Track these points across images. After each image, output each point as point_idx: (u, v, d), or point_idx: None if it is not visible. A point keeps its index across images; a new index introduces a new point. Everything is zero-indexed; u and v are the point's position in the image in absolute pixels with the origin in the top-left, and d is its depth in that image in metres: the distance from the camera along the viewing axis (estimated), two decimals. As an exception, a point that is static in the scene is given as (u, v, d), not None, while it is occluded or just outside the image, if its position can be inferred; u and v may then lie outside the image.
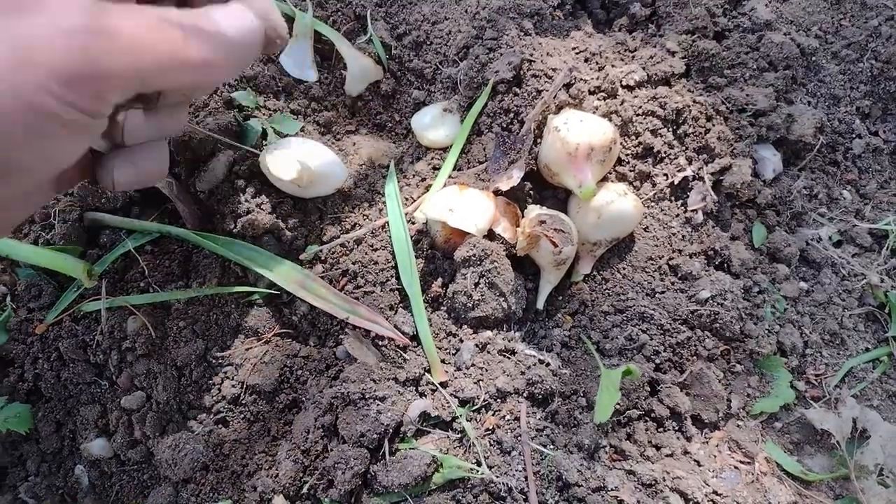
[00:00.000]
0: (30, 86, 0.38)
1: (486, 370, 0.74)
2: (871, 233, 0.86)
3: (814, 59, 0.89)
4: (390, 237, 0.78)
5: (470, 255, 0.74)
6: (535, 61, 0.80)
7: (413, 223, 0.79)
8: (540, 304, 0.78)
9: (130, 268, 0.78)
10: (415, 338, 0.75)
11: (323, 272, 0.77)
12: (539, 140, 0.79)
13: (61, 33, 0.38)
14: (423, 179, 0.82)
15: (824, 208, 0.87)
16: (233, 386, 0.74)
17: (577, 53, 0.83)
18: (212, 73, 0.47)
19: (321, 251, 0.77)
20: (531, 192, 0.81)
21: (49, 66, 0.38)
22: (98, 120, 0.43)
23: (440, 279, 0.78)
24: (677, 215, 0.80)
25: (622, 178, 0.81)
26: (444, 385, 0.73)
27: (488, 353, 0.75)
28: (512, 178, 0.76)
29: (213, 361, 0.74)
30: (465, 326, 0.76)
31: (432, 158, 0.84)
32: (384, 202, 0.80)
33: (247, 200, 0.75)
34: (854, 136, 0.89)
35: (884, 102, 0.92)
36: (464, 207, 0.74)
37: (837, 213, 0.87)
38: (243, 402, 0.74)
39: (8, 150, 0.39)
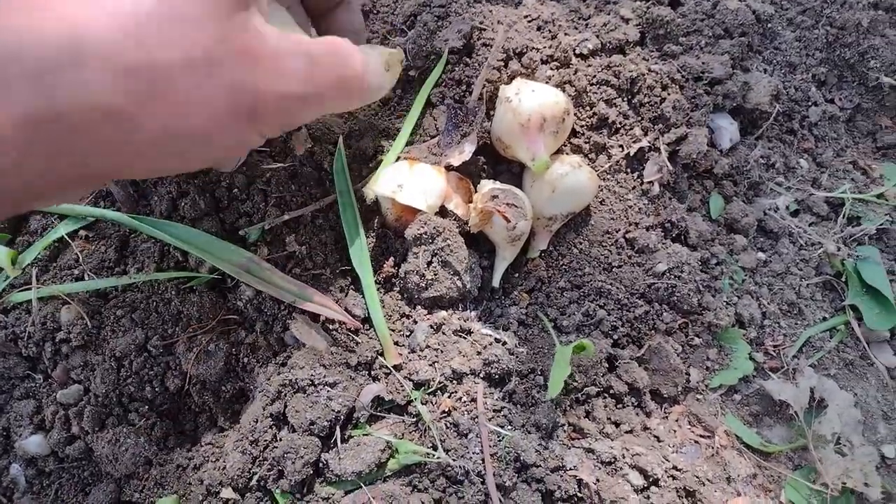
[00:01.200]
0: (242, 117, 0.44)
1: (442, 351, 0.72)
2: (827, 201, 0.85)
3: (769, 25, 0.87)
4: (339, 216, 0.75)
5: (421, 232, 0.71)
6: (485, 29, 0.77)
7: (363, 201, 0.76)
8: (496, 282, 0.76)
9: (63, 254, 0.73)
10: (366, 320, 0.72)
11: (268, 255, 0.73)
12: (492, 113, 0.76)
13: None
14: (374, 155, 0.79)
15: (781, 177, 0.86)
16: (175, 377, 0.70)
17: (528, 21, 0.81)
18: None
19: (266, 233, 0.74)
20: (485, 166, 0.78)
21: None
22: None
23: (392, 259, 0.75)
24: (633, 187, 0.79)
25: (577, 150, 0.79)
26: (397, 368, 0.70)
27: (443, 333, 0.73)
28: (464, 153, 0.74)
29: (154, 351, 0.71)
30: (419, 307, 0.74)
31: (383, 133, 0.81)
32: (332, 180, 0.76)
33: (185, 180, 0.71)
34: (810, 103, 0.88)
35: (839, 69, 0.91)
36: (414, 183, 0.71)
37: (794, 182, 0.86)
38: (187, 392, 0.70)
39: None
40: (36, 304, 0.71)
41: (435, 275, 0.72)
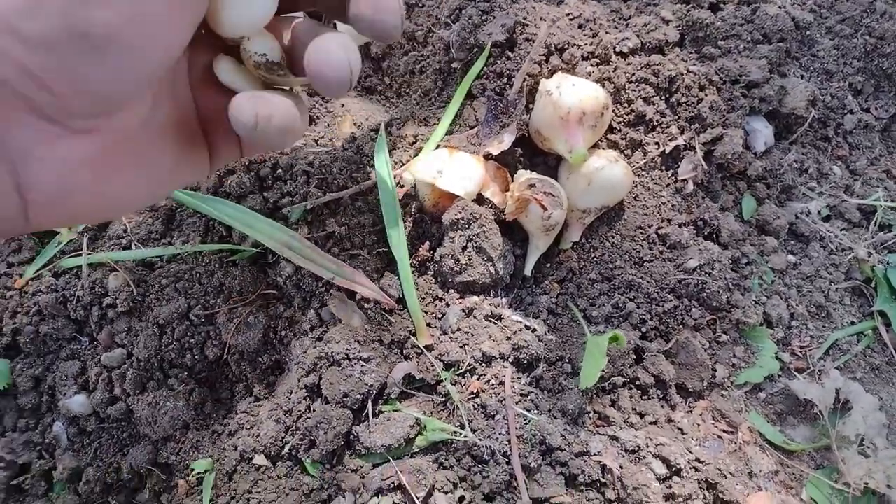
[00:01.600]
0: None
1: (472, 335, 0.73)
2: (860, 208, 0.86)
3: (808, 32, 0.88)
4: (378, 200, 0.77)
5: (458, 218, 0.73)
6: (528, 25, 0.79)
7: (402, 186, 0.78)
8: (528, 271, 0.78)
9: (113, 224, 0.76)
10: (401, 301, 0.74)
11: (308, 234, 0.76)
12: (531, 106, 0.78)
13: None
14: (414, 143, 0.81)
15: (814, 182, 0.86)
16: (215, 346, 0.73)
17: (570, 19, 0.82)
18: None
19: (307, 213, 0.76)
20: (521, 157, 0.80)
21: None
22: None
23: (427, 243, 0.77)
24: (667, 185, 0.80)
25: (613, 145, 0.80)
26: (429, 348, 0.72)
27: (474, 317, 0.74)
28: (503, 143, 0.76)
29: (196, 320, 0.73)
30: (452, 291, 0.76)
31: (423, 122, 0.83)
32: (372, 165, 0.79)
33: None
34: (846, 111, 0.89)
35: (876, 79, 0.91)
36: (453, 170, 0.73)
37: (827, 187, 0.87)
38: (225, 362, 0.73)
39: (84, 9, 0.33)
40: (85, 269, 0.74)
41: (469, 260, 0.74)
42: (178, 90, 0.48)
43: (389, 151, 0.80)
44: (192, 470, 0.69)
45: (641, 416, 0.73)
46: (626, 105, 0.79)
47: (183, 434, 0.70)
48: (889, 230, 0.84)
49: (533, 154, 0.81)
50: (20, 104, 0.36)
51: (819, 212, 0.85)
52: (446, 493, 0.67)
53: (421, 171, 0.74)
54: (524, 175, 0.75)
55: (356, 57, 0.44)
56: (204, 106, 0.49)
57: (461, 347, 0.73)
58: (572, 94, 0.72)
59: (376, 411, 0.70)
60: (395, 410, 0.71)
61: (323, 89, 0.45)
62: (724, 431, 0.74)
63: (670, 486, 0.68)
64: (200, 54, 0.48)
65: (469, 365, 0.72)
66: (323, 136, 0.82)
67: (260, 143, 0.46)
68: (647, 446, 0.70)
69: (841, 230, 0.84)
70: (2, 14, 0.33)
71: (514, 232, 0.79)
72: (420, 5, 0.88)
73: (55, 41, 0.33)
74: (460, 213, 0.73)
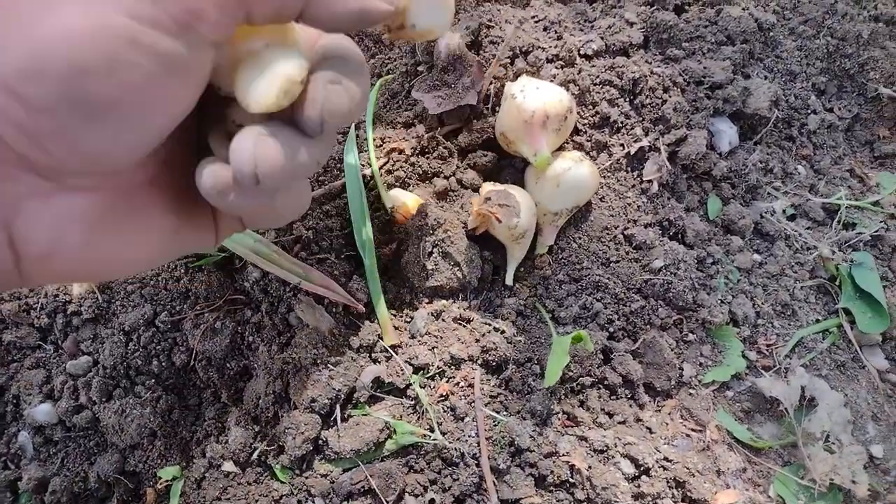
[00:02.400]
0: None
1: (441, 338, 0.73)
2: (824, 207, 0.87)
3: (771, 34, 0.89)
4: (345, 204, 0.77)
5: (422, 223, 0.73)
6: (493, 27, 0.79)
7: (371, 190, 0.78)
8: (509, 280, 0.78)
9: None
10: (368, 305, 0.74)
11: (276, 238, 0.75)
12: (497, 108, 0.79)
13: None
14: (381, 145, 0.82)
15: (779, 182, 0.88)
16: (182, 352, 0.72)
17: (535, 22, 0.83)
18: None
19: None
20: (489, 163, 0.80)
21: None
22: (195, 55, 0.36)
23: (394, 246, 0.77)
24: (633, 186, 0.81)
25: (579, 147, 0.81)
26: (395, 348, 0.72)
27: (443, 321, 0.75)
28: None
29: (162, 326, 0.73)
30: (420, 295, 0.76)
31: (391, 125, 0.83)
32: (341, 167, 0.79)
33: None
34: (810, 111, 0.90)
35: (839, 79, 0.93)
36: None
37: (792, 187, 0.88)
38: (192, 368, 0.72)
39: (85, 79, 0.33)
40: (50, 277, 0.73)
41: (436, 265, 0.74)
42: (185, 156, 0.47)
43: (358, 153, 0.80)
44: (160, 478, 0.69)
45: (610, 415, 0.74)
46: (590, 107, 0.80)
47: (150, 441, 0.70)
48: (852, 228, 0.85)
49: (500, 157, 0.81)
50: (14, 159, 0.36)
51: (784, 211, 0.86)
52: (416, 496, 0.67)
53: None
54: (486, 188, 0.75)
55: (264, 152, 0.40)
56: None
57: (430, 350, 0.73)
58: (536, 98, 0.72)
59: (345, 416, 0.70)
60: (365, 414, 0.71)
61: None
62: (693, 430, 0.75)
63: (639, 486, 0.69)
64: (208, 114, 0.48)
65: (438, 368, 0.72)
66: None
67: (245, 217, 0.46)
68: (616, 446, 0.70)
69: (806, 229, 0.85)
70: (2, 75, 0.33)
71: (491, 243, 0.79)
72: (387, 10, 0.88)
73: (54, 106, 0.33)
74: (424, 218, 0.73)
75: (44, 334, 0.75)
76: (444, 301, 0.76)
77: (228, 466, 0.69)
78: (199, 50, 0.36)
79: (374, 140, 0.82)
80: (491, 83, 0.77)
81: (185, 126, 0.41)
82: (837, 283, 0.83)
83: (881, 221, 0.86)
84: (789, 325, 0.81)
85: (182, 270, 0.75)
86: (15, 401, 0.74)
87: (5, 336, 0.73)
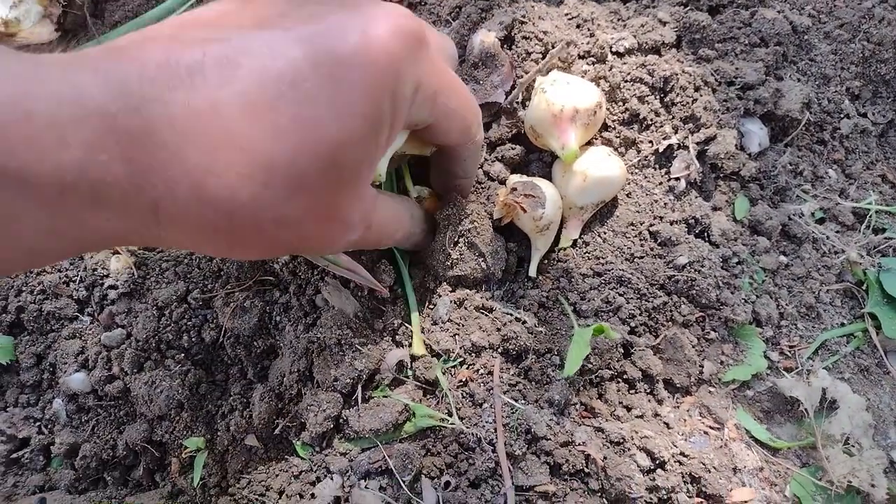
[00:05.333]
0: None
1: (463, 325, 0.75)
2: (854, 212, 0.86)
3: (806, 37, 0.89)
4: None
5: (449, 213, 0.74)
6: (526, 23, 0.80)
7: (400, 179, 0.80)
8: (532, 272, 0.78)
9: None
10: (392, 289, 0.76)
11: (306, 222, 0.77)
12: (527, 103, 0.80)
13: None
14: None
15: (809, 185, 0.87)
16: (211, 329, 0.75)
17: (569, 19, 0.84)
18: None
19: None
20: (516, 156, 0.81)
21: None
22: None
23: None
24: (660, 183, 0.81)
25: (608, 143, 0.82)
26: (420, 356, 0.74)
27: (465, 308, 0.76)
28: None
29: (194, 304, 0.75)
30: (444, 284, 0.77)
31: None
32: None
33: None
34: (843, 116, 0.90)
35: (874, 84, 0.92)
36: None
37: (822, 190, 0.87)
38: (221, 345, 0.75)
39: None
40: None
41: (461, 255, 0.75)
42: None
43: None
44: (185, 448, 0.71)
45: (628, 409, 0.74)
46: (620, 104, 0.81)
47: (177, 413, 0.72)
48: (882, 233, 0.84)
49: (528, 150, 0.82)
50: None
51: (812, 214, 0.85)
52: (432, 478, 0.68)
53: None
54: (512, 179, 0.76)
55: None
56: None
57: (452, 337, 0.74)
58: (566, 93, 0.73)
59: (366, 396, 0.71)
60: (385, 396, 0.72)
61: None
62: (711, 427, 0.75)
63: (654, 479, 0.69)
64: None
65: (458, 354, 0.73)
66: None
67: None
68: (632, 439, 0.71)
69: (834, 233, 0.85)
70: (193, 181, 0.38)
71: (516, 235, 0.80)
72: (422, 3, 0.90)
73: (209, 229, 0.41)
74: (451, 208, 0.74)
75: (81, 306, 0.78)
76: (466, 290, 0.77)
77: (251, 441, 0.71)
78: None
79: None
80: (521, 80, 0.79)
81: None
82: (864, 287, 0.82)
83: (912, 228, 0.85)
84: (813, 327, 0.81)
85: (214, 249, 0.77)
86: (51, 368, 0.77)
87: (45, 306, 0.77)
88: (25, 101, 0.31)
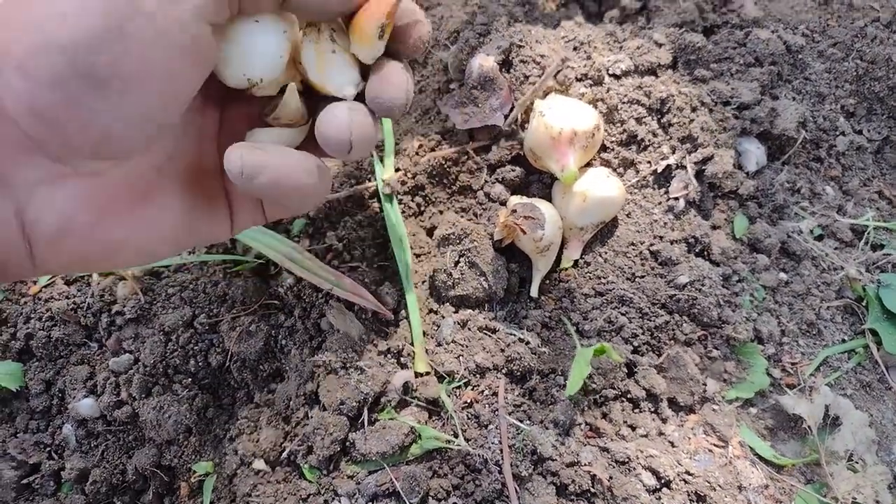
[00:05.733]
0: None
1: (467, 346, 0.75)
2: (852, 228, 0.87)
3: (800, 56, 0.91)
4: (376, 215, 0.80)
5: (449, 233, 0.75)
6: (523, 46, 0.82)
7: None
8: (534, 292, 0.79)
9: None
10: (396, 312, 0.77)
11: (310, 246, 0.78)
12: (526, 125, 0.81)
13: None
14: (413, 155, 0.84)
15: (806, 202, 0.88)
16: (218, 353, 0.75)
17: (566, 42, 0.85)
18: None
19: (308, 226, 0.79)
20: (517, 177, 0.82)
21: None
22: (197, 32, 0.38)
23: (420, 257, 0.79)
24: (659, 203, 0.82)
25: (606, 164, 0.83)
26: (425, 373, 0.74)
27: (469, 329, 0.76)
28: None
29: (200, 328, 0.76)
30: (447, 304, 0.78)
31: (423, 136, 0.86)
32: (370, 178, 0.81)
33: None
34: (838, 133, 0.91)
35: (868, 102, 0.93)
36: None
37: (819, 207, 0.88)
38: (228, 369, 0.75)
39: (90, 50, 0.35)
40: (95, 277, 0.77)
41: (462, 275, 0.76)
42: (202, 147, 0.49)
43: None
44: (194, 472, 0.72)
45: (633, 428, 0.74)
46: (618, 125, 0.82)
47: (185, 438, 0.73)
48: (880, 249, 0.85)
49: (528, 172, 0.84)
50: (28, 143, 0.37)
51: (811, 231, 0.86)
52: (440, 500, 0.69)
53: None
54: (513, 201, 0.77)
55: (361, 121, 0.46)
56: None
57: (456, 358, 0.75)
58: (564, 115, 0.75)
59: (372, 419, 0.72)
60: (391, 419, 0.73)
61: (325, 148, 0.47)
62: (715, 445, 0.76)
63: (659, 498, 0.70)
64: (233, 112, 0.50)
65: (463, 376, 0.74)
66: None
67: (268, 199, 0.47)
68: (638, 458, 0.71)
69: (833, 249, 0.86)
70: (12, 53, 0.35)
71: (517, 256, 0.81)
72: (422, 29, 0.91)
73: (63, 79, 0.35)
74: (451, 228, 0.75)
75: (89, 332, 0.79)
76: (470, 310, 0.77)
77: (259, 464, 0.71)
78: (200, 28, 0.38)
79: (407, 150, 0.84)
80: (519, 101, 0.80)
81: (192, 121, 0.44)
82: (864, 303, 0.83)
83: (910, 243, 0.86)
84: (814, 344, 0.81)
85: (220, 275, 0.78)
86: (60, 394, 0.78)
87: (54, 333, 0.77)
88: None
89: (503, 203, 0.81)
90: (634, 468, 0.71)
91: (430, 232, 0.79)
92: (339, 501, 0.70)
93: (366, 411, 0.71)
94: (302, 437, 0.71)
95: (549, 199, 0.81)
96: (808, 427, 0.75)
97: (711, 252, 0.81)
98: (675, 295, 0.77)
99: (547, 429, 0.72)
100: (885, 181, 0.92)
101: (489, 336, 0.76)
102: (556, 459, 0.69)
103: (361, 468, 0.71)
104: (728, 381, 0.78)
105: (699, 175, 0.82)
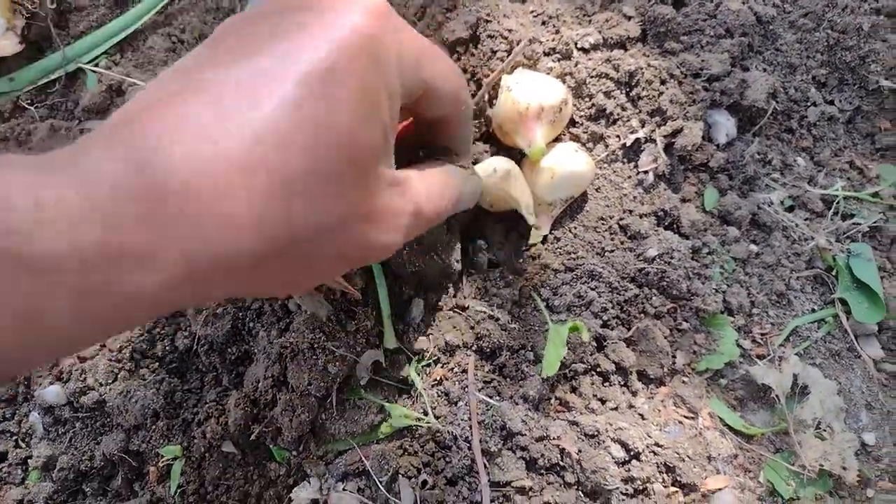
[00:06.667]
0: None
1: (436, 325, 0.75)
2: (822, 199, 0.87)
3: (771, 27, 0.90)
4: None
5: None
6: (491, 21, 0.81)
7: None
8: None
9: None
10: (364, 291, 0.76)
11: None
12: (494, 101, 0.80)
13: None
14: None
15: (778, 174, 0.88)
16: (185, 337, 0.75)
17: (534, 16, 0.84)
18: None
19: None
20: (485, 152, 0.81)
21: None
22: None
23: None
24: (629, 177, 0.81)
25: (575, 139, 0.82)
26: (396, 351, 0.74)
27: (438, 309, 0.76)
28: None
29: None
30: (409, 285, 0.77)
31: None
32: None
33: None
34: (809, 104, 0.90)
35: (840, 72, 0.93)
36: None
37: (791, 178, 0.88)
38: (195, 352, 0.75)
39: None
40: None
41: (410, 249, 0.74)
42: None
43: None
44: (162, 456, 0.71)
45: (602, 402, 0.75)
46: (587, 99, 0.81)
47: (153, 422, 0.72)
48: (850, 219, 0.85)
49: (498, 149, 0.83)
50: None
51: (782, 202, 0.86)
52: (410, 477, 0.69)
53: None
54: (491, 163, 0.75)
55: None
56: None
57: (425, 337, 0.74)
58: (531, 90, 0.74)
59: (341, 399, 0.72)
60: (360, 398, 0.73)
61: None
62: (685, 417, 0.76)
63: (629, 469, 0.70)
64: None
65: (433, 354, 0.73)
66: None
67: None
68: (607, 431, 0.71)
69: (804, 220, 0.85)
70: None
71: (488, 228, 0.80)
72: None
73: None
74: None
75: (54, 318, 0.78)
76: (437, 289, 0.77)
77: (228, 447, 0.71)
78: None
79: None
80: (487, 76, 0.79)
81: None
82: (834, 273, 0.83)
83: (880, 212, 0.86)
84: (784, 314, 0.81)
85: (186, 257, 0.77)
86: (26, 382, 0.77)
87: (17, 320, 0.76)
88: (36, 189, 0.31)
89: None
90: (604, 441, 0.71)
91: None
92: (309, 482, 0.70)
93: (334, 392, 0.71)
94: (271, 418, 0.70)
95: (519, 175, 0.80)
96: (777, 396, 0.75)
97: (681, 225, 0.81)
98: (645, 268, 0.77)
99: (517, 404, 0.72)
100: (856, 151, 0.92)
101: (458, 314, 0.76)
102: (525, 434, 0.69)
103: (331, 448, 0.71)
104: (698, 353, 0.79)
105: (669, 148, 0.82)
